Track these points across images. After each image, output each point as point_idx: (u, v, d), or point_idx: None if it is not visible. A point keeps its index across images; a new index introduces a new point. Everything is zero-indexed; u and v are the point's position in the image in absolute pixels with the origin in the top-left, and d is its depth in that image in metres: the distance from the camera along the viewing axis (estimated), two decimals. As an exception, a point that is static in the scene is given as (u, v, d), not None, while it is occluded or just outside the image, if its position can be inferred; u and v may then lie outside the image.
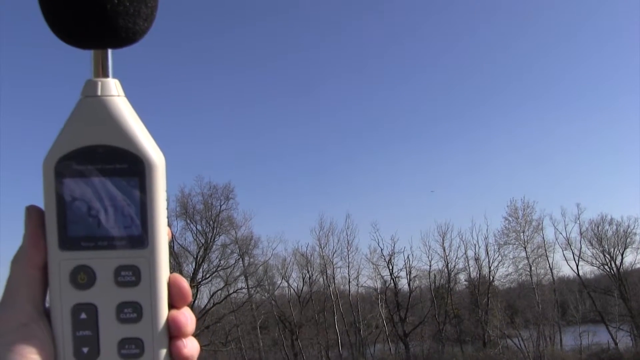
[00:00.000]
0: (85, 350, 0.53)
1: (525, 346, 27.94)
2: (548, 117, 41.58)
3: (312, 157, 41.34)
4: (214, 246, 28.82)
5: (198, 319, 26.97)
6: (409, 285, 31.10)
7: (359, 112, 41.37)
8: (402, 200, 41.77)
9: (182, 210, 28.74)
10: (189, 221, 28.73)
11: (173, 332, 0.55)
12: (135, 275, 0.54)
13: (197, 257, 28.27)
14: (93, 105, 0.53)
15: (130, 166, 0.53)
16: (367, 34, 40.16)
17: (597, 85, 41.11)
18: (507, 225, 30.91)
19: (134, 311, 0.54)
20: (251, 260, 29.77)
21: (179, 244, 28.42)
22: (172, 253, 27.72)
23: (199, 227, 28.83)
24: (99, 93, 0.54)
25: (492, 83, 41.89)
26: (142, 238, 0.54)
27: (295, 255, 31.58)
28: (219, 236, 29.04)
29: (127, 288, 0.54)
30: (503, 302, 30.47)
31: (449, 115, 42.53)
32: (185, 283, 0.56)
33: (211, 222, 28.73)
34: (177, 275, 0.56)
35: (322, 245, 31.15)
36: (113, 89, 0.54)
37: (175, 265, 27.70)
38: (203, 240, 28.61)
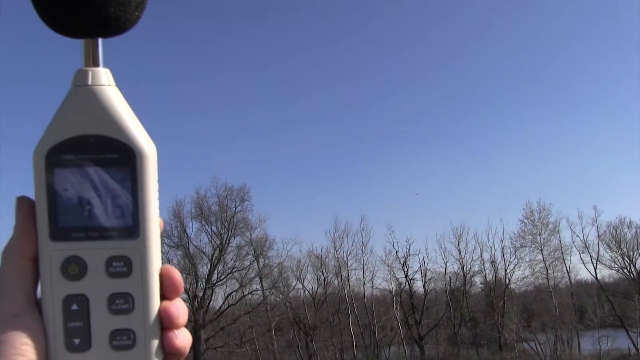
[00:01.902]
0: (76, 341, 0.52)
1: (542, 350, 27.62)
2: (564, 117, 41.13)
3: (327, 158, 41.37)
4: (229, 247, 28.97)
5: (213, 320, 27.38)
6: (424, 287, 30.94)
7: (374, 112, 41.33)
8: (417, 202, 41.62)
9: (197, 211, 28.97)
10: (204, 222, 28.94)
11: (165, 323, 0.54)
12: (127, 266, 0.53)
13: (212, 258, 28.40)
14: (84, 95, 0.53)
15: (121, 156, 0.53)
16: (384, 32, 40.11)
17: (615, 83, 40.58)
18: (523, 228, 30.63)
19: (125, 302, 0.53)
20: (266, 261, 29.88)
21: (195, 245, 28.68)
22: (188, 254, 28.00)
23: (214, 228, 29.02)
24: (90, 82, 0.53)
25: (507, 82, 41.56)
26: (133, 228, 0.53)
27: (310, 257, 31.64)
28: (234, 237, 29.19)
29: (118, 279, 0.53)
30: (519, 305, 30.16)
31: (465, 114, 42.29)
32: (177, 274, 0.56)
33: (226, 224, 28.87)
34: (169, 266, 0.56)
35: (337, 247, 31.15)
36: (104, 78, 0.54)
37: (191, 266, 27.88)
38: (218, 242, 28.76)
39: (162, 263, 0.56)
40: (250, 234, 29.49)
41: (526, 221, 30.53)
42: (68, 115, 0.53)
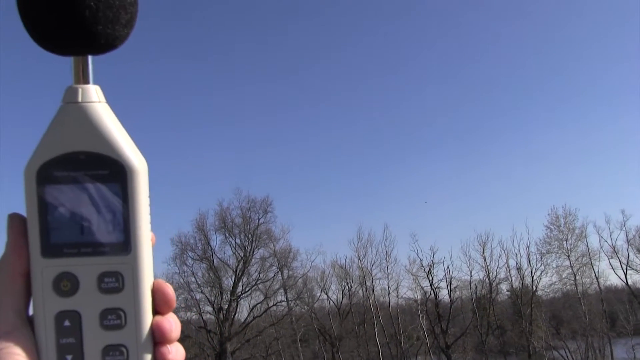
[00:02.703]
0: (69, 358, 0.53)
1: (572, 358, 27.07)
2: (589, 119, 40.52)
3: (349, 167, 41.41)
4: (253, 259, 29.14)
5: (238, 333, 27.48)
6: (449, 296, 30.65)
7: (394, 120, 41.28)
8: (440, 210, 41.33)
9: (221, 224, 29.25)
10: (228, 235, 29.19)
11: (157, 338, 0.55)
12: (119, 282, 0.54)
13: (236, 270, 28.59)
14: (74, 112, 0.54)
15: (111, 172, 0.54)
16: (401, 36, 40.14)
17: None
18: (549, 234, 30.19)
19: (117, 318, 0.54)
20: (290, 273, 29.99)
21: (219, 257, 28.93)
22: (212, 267, 28.21)
23: (237, 240, 29.26)
24: (80, 99, 0.54)
25: (532, 84, 41.17)
26: (125, 244, 0.54)
27: (334, 267, 31.63)
28: (258, 249, 29.37)
29: (110, 294, 0.54)
30: (547, 313, 29.67)
31: (488, 120, 41.94)
32: (169, 289, 0.56)
33: (250, 236, 29.08)
34: (161, 281, 0.57)
35: (361, 257, 31.10)
36: (94, 95, 0.55)
37: (215, 278, 28.10)
38: (242, 254, 28.96)
39: (156, 277, 0.57)
40: (274, 246, 29.72)
41: (552, 227, 30.11)
42: (58, 133, 0.54)
